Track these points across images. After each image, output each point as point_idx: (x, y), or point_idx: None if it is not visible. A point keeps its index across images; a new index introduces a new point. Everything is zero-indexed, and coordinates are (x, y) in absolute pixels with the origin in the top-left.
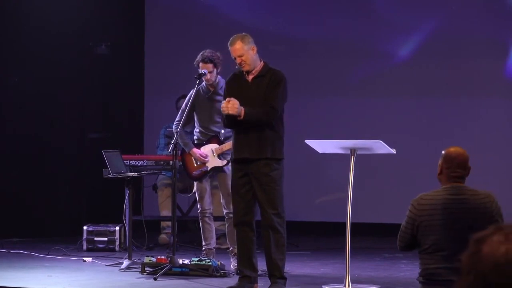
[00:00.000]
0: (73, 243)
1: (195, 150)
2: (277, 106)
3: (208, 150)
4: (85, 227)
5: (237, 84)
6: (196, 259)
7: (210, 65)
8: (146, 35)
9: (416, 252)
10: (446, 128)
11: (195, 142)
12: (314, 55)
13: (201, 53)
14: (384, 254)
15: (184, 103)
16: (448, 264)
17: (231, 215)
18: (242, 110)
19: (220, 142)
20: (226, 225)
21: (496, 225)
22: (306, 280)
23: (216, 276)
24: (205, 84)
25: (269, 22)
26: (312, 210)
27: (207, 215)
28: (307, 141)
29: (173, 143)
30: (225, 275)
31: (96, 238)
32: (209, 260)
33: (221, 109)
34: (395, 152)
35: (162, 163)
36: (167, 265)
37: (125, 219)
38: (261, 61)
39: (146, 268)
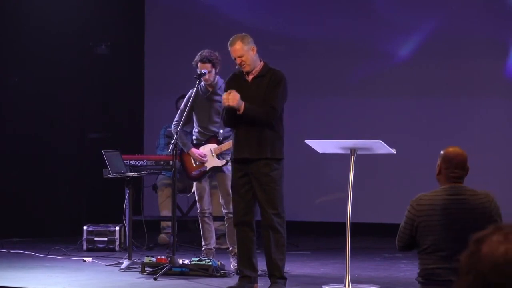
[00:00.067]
0: (73, 243)
1: (194, 150)
2: (277, 106)
3: (207, 150)
4: (85, 227)
5: (237, 84)
6: (196, 259)
7: (208, 65)
8: (146, 35)
9: (416, 252)
10: (446, 128)
11: (194, 142)
12: (314, 55)
13: (199, 53)
14: (384, 254)
15: (183, 103)
16: (447, 264)
17: (231, 215)
18: (242, 104)
19: (219, 142)
20: (226, 225)
21: (495, 225)
22: (306, 280)
23: (216, 276)
24: (204, 84)
25: (269, 22)
26: (312, 210)
27: (206, 215)
28: (307, 141)
29: (173, 143)
30: (225, 275)
31: (96, 238)
32: (209, 260)
33: (222, 101)
34: (395, 152)
35: (162, 163)
36: (167, 265)
37: (125, 219)
38: (261, 61)
39: (146, 268)
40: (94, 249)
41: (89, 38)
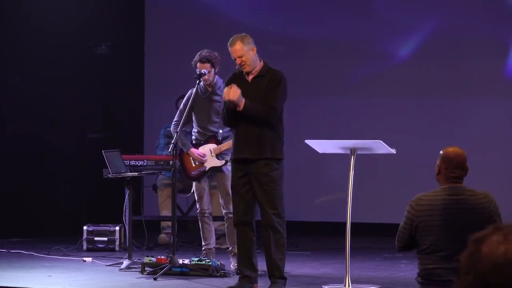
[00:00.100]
0: (73, 243)
1: (193, 150)
2: (276, 106)
3: (206, 150)
4: (85, 227)
5: (237, 84)
6: (196, 259)
7: (207, 65)
8: (146, 35)
9: (416, 252)
10: (446, 128)
11: (193, 142)
12: (314, 55)
13: (198, 53)
14: (384, 254)
15: (182, 104)
16: (447, 264)
17: (230, 215)
18: (242, 101)
19: (218, 142)
20: (226, 225)
21: (495, 225)
22: (306, 280)
23: (216, 276)
24: (203, 84)
25: (269, 22)
26: (312, 210)
27: (206, 215)
28: (307, 141)
29: (173, 143)
30: (225, 275)
31: (96, 238)
32: (209, 260)
33: (223, 96)
34: (395, 152)
35: (162, 163)
36: (167, 265)
37: (125, 219)
38: (261, 61)
39: (146, 268)
40: (94, 249)
41: (89, 38)
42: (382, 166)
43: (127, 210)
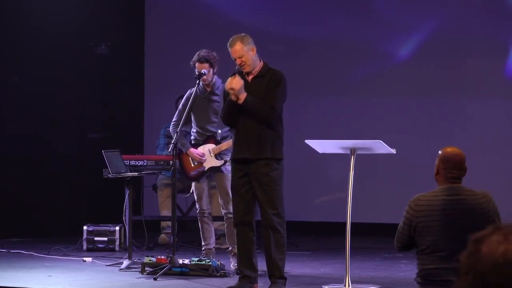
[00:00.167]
0: (73, 243)
1: (192, 150)
2: (276, 106)
3: (205, 150)
4: (85, 227)
5: None
6: (196, 259)
7: (206, 65)
8: (146, 35)
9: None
10: (446, 128)
11: (192, 142)
12: (314, 55)
13: (197, 53)
14: (384, 254)
15: (181, 104)
16: (446, 265)
17: (230, 215)
18: (244, 94)
19: (217, 142)
20: (225, 225)
21: (495, 225)
22: (306, 280)
23: (216, 276)
24: (202, 84)
25: (269, 22)
26: (312, 210)
27: (205, 215)
28: (307, 141)
29: (173, 143)
30: (225, 275)
31: (96, 238)
32: (209, 260)
33: (225, 85)
34: (395, 152)
35: (162, 163)
36: (167, 265)
37: (125, 219)
38: (260, 61)
39: (146, 268)
40: (94, 249)
41: (89, 38)
42: (382, 166)
43: (127, 210)
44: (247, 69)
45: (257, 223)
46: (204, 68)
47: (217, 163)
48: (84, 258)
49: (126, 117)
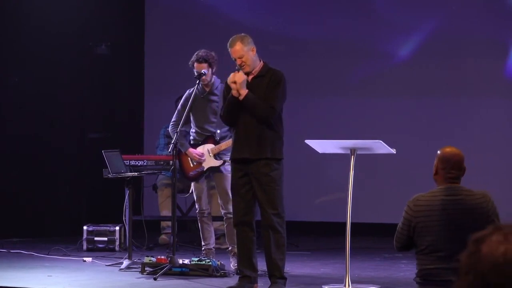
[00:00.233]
0: (73, 243)
1: (191, 150)
2: (276, 106)
3: (204, 150)
4: (85, 227)
5: None
6: (196, 259)
7: (204, 65)
8: (146, 35)
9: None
10: (446, 128)
11: (191, 142)
12: (314, 55)
13: (195, 53)
14: (384, 254)
15: (180, 104)
16: (445, 265)
17: (229, 215)
18: (245, 90)
19: (216, 142)
20: (225, 225)
21: (495, 225)
22: (306, 280)
23: (216, 276)
24: (201, 84)
25: (269, 22)
26: (312, 210)
27: (205, 215)
28: (307, 141)
29: (173, 143)
30: (225, 275)
31: (96, 238)
32: (209, 260)
33: (227, 80)
34: (395, 152)
35: (162, 163)
36: (167, 265)
37: (125, 219)
38: (260, 61)
39: (146, 268)
40: (94, 249)
41: (89, 38)
42: (382, 166)
43: (127, 210)
44: (247, 69)
45: (257, 223)
46: (203, 68)
47: (216, 163)
48: (84, 258)
49: (126, 117)
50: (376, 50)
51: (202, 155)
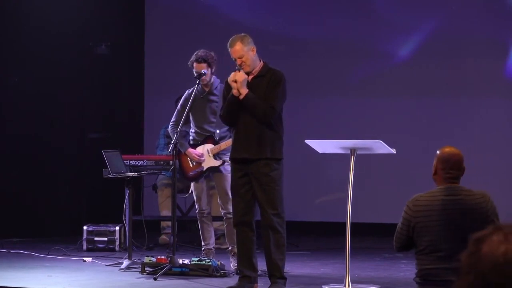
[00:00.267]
0: (73, 243)
1: (190, 150)
2: (276, 106)
3: (204, 150)
4: (85, 227)
5: None
6: (196, 259)
7: (204, 65)
8: (146, 35)
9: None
10: (446, 128)
11: (191, 142)
12: (314, 55)
13: (195, 53)
14: (384, 254)
15: (179, 104)
16: (444, 265)
17: (229, 215)
18: (246, 89)
19: (215, 142)
20: (225, 225)
21: (495, 225)
22: (306, 280)
23: (216, 276)
24: (200, 84)
25: (269, 22)
26: (312, 210)
27: (205, 215)
28: (307, 141)
29: (173, 143)
30: (225, 275)
31: (96, 238)
32: (209, 260)
33: (228, 79)
34: (395, 152)
35: (162, 163)
36: (167, 265)
37: (125, 219)
38: (260, 61)
39: (146, 268)
40: (94, 249)
41: (89, 38)
42: (382, 166)
43: (127, 210)
44: (246, 69)
45: (257, 223)
46: (202, 68)
47: (216, 163)
48: (84, 258)
49: (126, 117)
50: (376, 50)
51: (201, 155)
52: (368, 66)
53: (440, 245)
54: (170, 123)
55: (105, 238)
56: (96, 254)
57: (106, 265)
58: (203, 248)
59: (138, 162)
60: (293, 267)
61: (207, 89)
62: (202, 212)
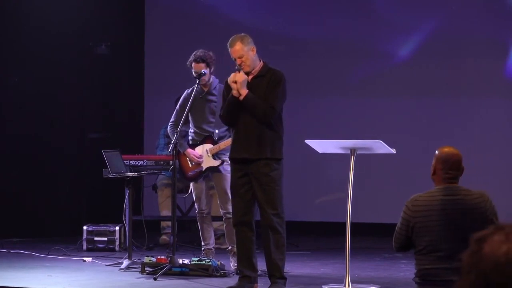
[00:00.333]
0: (73, 243)
1: (189, 150)
2: (276, 106)
3: (203, 150)
4: (85, 227)
5: None
6: (196, 259)
7: (202, 65)
8: (146, 35)
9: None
10: (446, 128)
11: (190, 142)
12: (314, 55)
13: (193, 53)
14: (384, 254)
15: (178, 104)
16: (444, 265)
17: (228, 215)
18: (246, 90)
19: (214, 142)
20: (224, 225)
21: (496, 225)
22: (306, 280)
23: (216, 276)
24: (199, 84)
25: (269, 22)
26: (312, 210)
27: (204, 215)
28: (307, 141)
29: (173, 143)
30: (225, 275)
31: (96, 238)
32: (209, 260)
33: (228, 80)
34: (395, 152)
35: (162, 163)
36: (167, 265)
37: (125, 219)
38: (260, 61)
39: (146, 268)
40: (94, 249)
41: (89, 38)
42: (382, 166)
43: (127, 210)
44: (246, 69)
45: (257, 223)
46: (201, 68)
47: (215, 163)
48: (84, 258)
49: (126, 117)
50: (376, 50)
51: (200, 157)
52: (368, 66)
53: (440, 245)
54: (169, 123)
55: (105, 238)
56: (96, 254)
57: (106, 265)
58: (203, 248)
59: (138, 162)
60: (293, 267)
61: (206, 89)
62: (202, 212)
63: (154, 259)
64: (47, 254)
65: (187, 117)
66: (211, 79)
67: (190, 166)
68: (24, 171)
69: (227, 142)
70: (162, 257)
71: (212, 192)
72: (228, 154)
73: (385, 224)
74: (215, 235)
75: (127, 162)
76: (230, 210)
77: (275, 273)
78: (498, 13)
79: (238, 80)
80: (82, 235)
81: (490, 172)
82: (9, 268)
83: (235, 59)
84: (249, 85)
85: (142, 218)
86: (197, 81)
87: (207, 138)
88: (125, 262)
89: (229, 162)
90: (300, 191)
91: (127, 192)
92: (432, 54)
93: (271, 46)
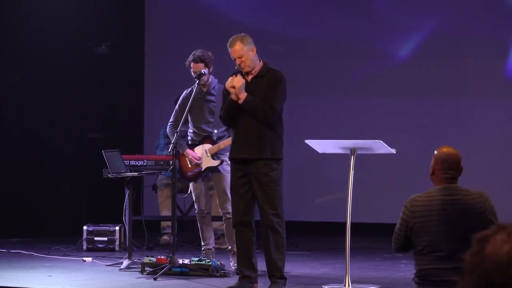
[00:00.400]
0: (73, 243)
1: (188, 151)
2: (276, 106)
3: (202, 150)
4: (85, 227)
5: None
6: (196, 259)
7: (201, 65)
8: (146, 35)
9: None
10: (446, 128)
11: (189, 142)
12: (314, 55)
13: (192, 53)
14: (384, 254)
15: (177, 104)
16: (443, 265)
17: (228, 215)
18: (244, 93)
19: (213, 142)
20: (224, 225)
21: (499, 224)
22: (306, 280)
23: (216, 276)
24: (199, 84)
25: (269, 22)
26: (312, 210)
27: (204, 215)
28: (307, 141)
29: (173, 143)
30: (225, 275)
31: (96, 238)
32: (209, 260)
33: (226, 84)
34: (395, 152)
35: (162, 163)
36: (167, 265)
37: (125, 219)
38: (260, 61)
39: (146, 268)
40: (94, 249)
41: (89, 38)
42: (382, 166)
43: (127, 210)
44: (246, 69)
45: (257, 223)
46: (200, 68)
47: (214, 163)
48: (84, 258)
49: (126, 117)
50: (376, 50)
51: (199, 158)
52: (368, 66)
53: (439, 245)
54: (168, 124)
55: (105, 238)
56: (96, 254)
57: (106, 265)
58: (203, 248)
59: (138, 162)
60: (293, 267)
61: (205, 89)
62: (202, 212)
63: (154, 259)
64: (47, 254)
65: (186, 117)
66: (210, 79)
67: (190, 166)
68: (24, 171)
69: (226, 142)
70: (162, 257)
71: (212, 192)
72: (227, 154)
73: (385, 224)
74: (215, 235)
75: (127, 162)
76: (230, 210)
77: (275, 273)
78: (498, 13)
79: (236, 85)
80: (82, 235)
81: (490, 172)
82: (9, 268)
83: (235, 59)
84: (249, 85)
85: (142, 218)
86: (197, 81)
87: (206, 138)
88: (125, 262)
89: (229, 162)
90: (300, 191)
91: (127, 192)
92: (432, 54)
93: (271, 46)
